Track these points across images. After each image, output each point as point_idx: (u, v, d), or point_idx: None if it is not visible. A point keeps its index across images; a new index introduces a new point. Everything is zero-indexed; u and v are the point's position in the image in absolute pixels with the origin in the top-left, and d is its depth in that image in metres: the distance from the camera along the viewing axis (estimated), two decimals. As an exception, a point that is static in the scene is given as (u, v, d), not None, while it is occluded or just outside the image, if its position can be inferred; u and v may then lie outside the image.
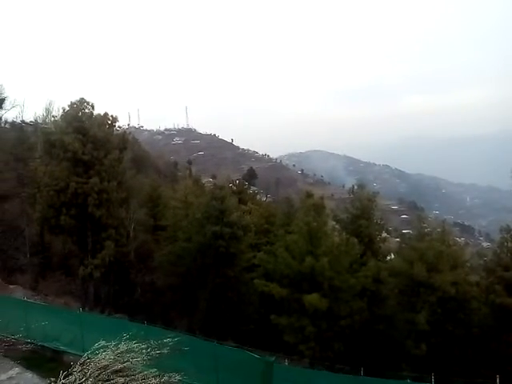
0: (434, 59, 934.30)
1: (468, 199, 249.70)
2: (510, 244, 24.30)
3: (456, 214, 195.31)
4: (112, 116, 30.96)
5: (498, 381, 18.32)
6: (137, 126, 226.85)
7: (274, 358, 17.36)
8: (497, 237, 27.02)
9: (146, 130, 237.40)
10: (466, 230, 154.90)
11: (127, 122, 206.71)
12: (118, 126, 34.28)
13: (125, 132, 36.72)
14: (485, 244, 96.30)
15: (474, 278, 25.89)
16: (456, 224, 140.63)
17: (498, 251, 24.99)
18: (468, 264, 27.89)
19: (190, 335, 22.57)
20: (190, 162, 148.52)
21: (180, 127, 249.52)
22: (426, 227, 27.59)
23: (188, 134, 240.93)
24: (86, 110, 29.78)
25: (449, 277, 22.90)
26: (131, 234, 32.52)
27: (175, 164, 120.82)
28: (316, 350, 21.74)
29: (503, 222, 25.91)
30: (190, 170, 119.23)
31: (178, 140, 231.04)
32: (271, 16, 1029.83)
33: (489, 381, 18.28)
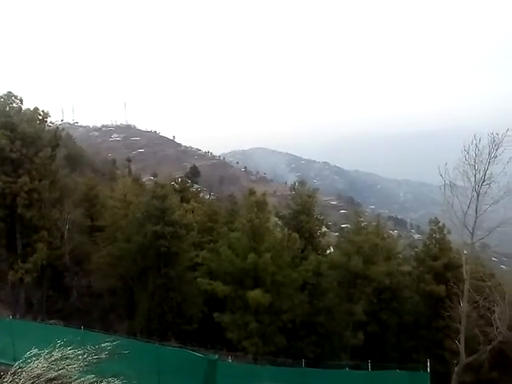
0: (365, 58, 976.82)
1: (401, 194, 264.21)
2: (437, 235, 26.10)
3: (390, 208, 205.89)
4: (43, 111, 29.24)
5: (428, 364, 19.62)
6: (71, 122, 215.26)
7: (217, 356, 17.34)
8: (427, 229, 28.82)
9: (82, 126, 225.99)
10: (399, 223, 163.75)
11: (60, 118, 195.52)
12: (50, 122, 32.45)
13: (57, 128, 34.71)
14: (416, 236, 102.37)
15: (406, 268, 27.55)
16: (390, 218, 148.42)
17: (428, 242, 26.76)
18: (401, 255, 29.63)
19: (130, 338, 21.98)
20: (129, 160, 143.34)
21: (118, 123, 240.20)
22: (362, 221, 28.89)
23: (127, 130, 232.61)
24: (14, 105, 27.93)
25: (383, 268, 24.17)
26: (66, 236, 31.01)
27: (113, 162, 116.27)
28: (259, 345, 22.00)
29: (432, 215, 27.78)
30: (130, 168, 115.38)
31: (116, 137, 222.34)
32: (208, 7, 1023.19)
33: (420, 365, 19.53)
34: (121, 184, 37.78)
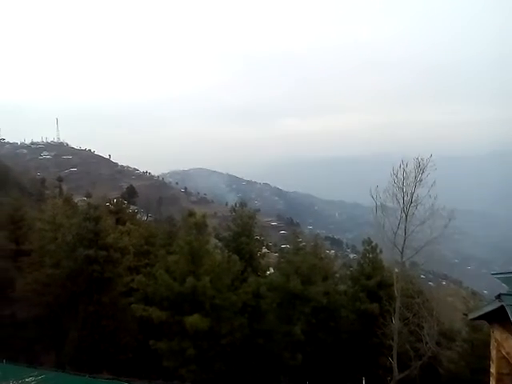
0: (307, 85, 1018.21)
1: (337, 215, 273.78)
2: (371, 255, 27.17)
3: (327, 229, 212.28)
4: (-37, 126, 27.14)
5: (363, 382, 20.08)
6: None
7: (152, 387, 16.51)
8: (361, 248, 29.91)
9: (8, 143, 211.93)
10: (336, 242, 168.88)
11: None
12: (-29, 138, 30.20)
13: (-20, 145, 32.35)
14: (352, 255, 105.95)
15: (342, 287, 28.30)
16: (327, 238, 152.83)
17: (362, 262, 27.77)
18: (337, 275, 30.43)
19: (57, 371, 20.42)
20: (60, 179, 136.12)
21: (49, 141, 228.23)
22: (300, 242, 29.42)
23: (59, 148, 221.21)
24: None
25: (321, 288, 24.61)
26: (-14, 262, 28.46)
27: (43, 181, 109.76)
28: (197, 372, 21.30)
29: (366, 235, 28.95)
30: (61, 188, 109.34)
31: (46, 155, 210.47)
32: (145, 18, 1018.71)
33: (356, 383, 19.95)
34: (50, 205, 35.52)
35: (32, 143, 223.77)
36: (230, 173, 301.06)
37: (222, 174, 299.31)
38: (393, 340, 21.04)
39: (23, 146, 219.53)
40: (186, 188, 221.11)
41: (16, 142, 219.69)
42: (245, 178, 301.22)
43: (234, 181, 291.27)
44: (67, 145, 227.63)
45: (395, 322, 20.98)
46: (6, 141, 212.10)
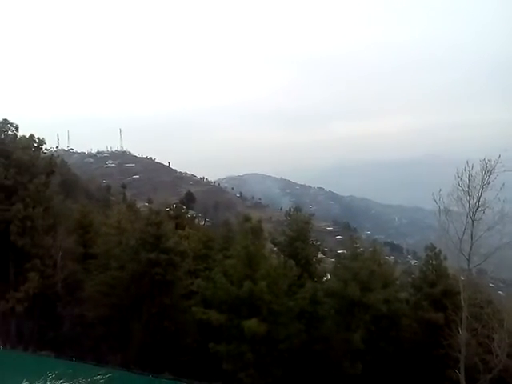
0: (355, 87, 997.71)
1: (396, 219, 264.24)
2: (434, 262, 25.95)
3: (386, 234, 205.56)
4: (38, 138, 29.54)
5: (428, 394, 19.14)
6: (66, 149, 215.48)
7: (212, 389, 16.80)
8: (423, 255, 28.66)
9: (77, 153, 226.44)
10: (396, 248, 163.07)
11: (56, 145, 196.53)
12: (45, 149, 32.82)
13: (52, 155, 34.94)
14: (413, 262, 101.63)
15: (403, 295, 27.23)
16: (386, 243, 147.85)
17: (424, 269, 26.59)
18: (398, 282, 29.32)
19: (123, 370, 21.36)
20: (124, 186, 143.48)
21: (113, 150, 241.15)
22: (358, 247, 28.70)
23: (122, 156, 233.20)
24: (10, 132, 28.19)
25: (381, 295, 23.85)
26: (58, 264, 30.52)
27: (108, 188, 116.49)
28: (255, 376, 21.40)
29: (428, 241, 27.70)
30: (125, 195, 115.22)
31: (111, 163, 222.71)
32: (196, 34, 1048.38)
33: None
34: (115, 211, 37.59)
35: (98, 152, 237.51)
36: (284, 177, 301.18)
37: (276, 178, 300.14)
38: (460, 352, 19.91)
39: (90, 155, 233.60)
40: (241, 193, 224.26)
41: (83, 151, 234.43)
42: (299, 183, 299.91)
43: (287, 185, 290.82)
44: (130, 153, 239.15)
45: (462, 333, 19.84)
46: (74, 151, 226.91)
